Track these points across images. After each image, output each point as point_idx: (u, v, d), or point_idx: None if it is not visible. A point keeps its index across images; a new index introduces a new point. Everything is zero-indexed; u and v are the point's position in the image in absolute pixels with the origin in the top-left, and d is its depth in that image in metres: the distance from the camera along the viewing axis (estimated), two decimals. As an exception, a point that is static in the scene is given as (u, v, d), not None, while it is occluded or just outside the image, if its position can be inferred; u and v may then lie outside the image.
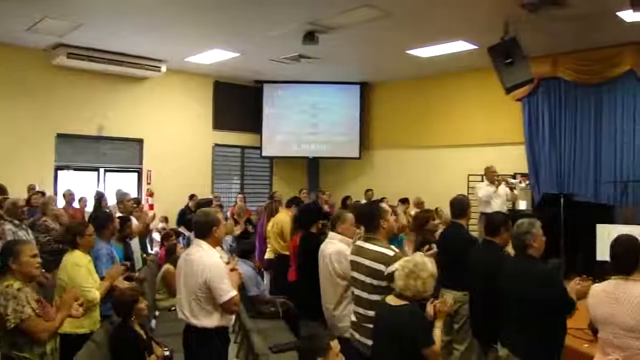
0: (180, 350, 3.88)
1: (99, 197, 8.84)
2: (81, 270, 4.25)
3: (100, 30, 8.76)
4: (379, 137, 13.50)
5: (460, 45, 9.35)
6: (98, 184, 10.95)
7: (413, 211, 9.04)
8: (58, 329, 3.49)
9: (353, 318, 3.89)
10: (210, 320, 3.62)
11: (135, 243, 6.60)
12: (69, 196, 9.27)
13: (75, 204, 9.34)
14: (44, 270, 4.36)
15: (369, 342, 3.64)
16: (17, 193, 7.74)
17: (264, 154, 13.40)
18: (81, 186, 10.27)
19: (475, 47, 9.21)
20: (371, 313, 3.67)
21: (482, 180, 9.06)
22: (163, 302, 6.56)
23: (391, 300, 3.32)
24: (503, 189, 8.56)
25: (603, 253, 5.27)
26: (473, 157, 10.94)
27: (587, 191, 9.57)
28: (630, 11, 6.29)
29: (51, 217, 6.91)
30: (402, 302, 3.24)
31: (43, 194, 8.32)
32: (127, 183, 11.28)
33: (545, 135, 10.24)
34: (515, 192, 8.88)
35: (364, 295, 3.78)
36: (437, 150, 12.12)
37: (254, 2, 7.40)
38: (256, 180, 13.89)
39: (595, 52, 9.34)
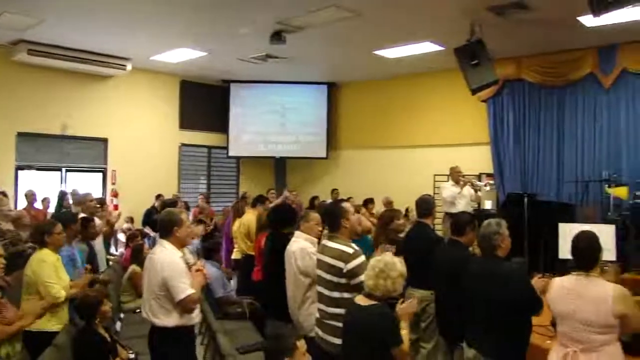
0: (146, 352, 3.83)
1: (61, 197, 8.66)
2: (46, 266, 4.24)
3: (63, 27, 8.58)
4: (346, 137, 13.55)
5: (427, 47, 9.43)
6: (61, 184, 10.72)
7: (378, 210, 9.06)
8: (13, 335, 3.41)
9: (317, 315, 3.91)
10: (170, 319, 3.59)
11: (99, 244, 6.50)
12: (30, 197, 9.04)
13: (38, 205, 9.13)
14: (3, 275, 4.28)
15: (332, 340, 3.66)
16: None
17: (230, 153, 13.34)
18: (44, 186, 10.01)
19: (442, 48, 9.31)
20: (332, 310, 3.73)
21: (448, 181, 9.16)
22: (128, 304, 6.48)
23: (360, 300, 3.33)
24: (468, 189, 8.68)
25: (565, 251, 5.34)
26: (439, 157, 11.05)
27: (550, 191, 9.79)
28: (590, 16, 6.42)
29: (4, 219, 6.63)
30: (372, 302, 3.25)
31: (4, 194, 8.09)
32: (91, 183, 11.10)
33: (509, 136, 10.43)
34: (479, 193, 9.02)
35: (325, 292, 3.82)
36: (404, 150, 12.21)
37: (221, 1, 7.34)
38: (223, 180, 13.81)
39: (558, 55, 9.57)
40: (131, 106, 11.78)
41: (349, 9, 7.52)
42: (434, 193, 9.76)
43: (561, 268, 4.99)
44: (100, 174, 11.47)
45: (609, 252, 5.55)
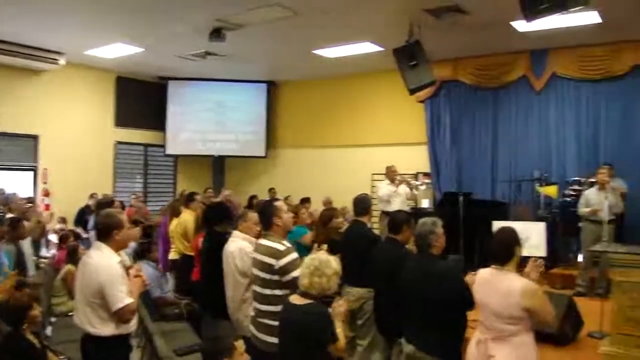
0: (79, 357, 3.69)
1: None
2: None
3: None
4: (285, 136, 13.55)
5: (367, 47, 9.53)
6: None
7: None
8: None
9: (252, 313, 3.90)
10: (106, 328, 3.40)
11: (27, 245, 6.24)
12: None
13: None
14: None
15: (267, 339, 3.65)
16: None
17: (168, 152, 13.12)
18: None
19: (381, 49, 9.43)
20: (265, 307, 3.74)
21: (384, 180, 9.28)
22: (60, 307, 6.24)
23: (296, 299, 3.33)
24: (403, 188, 8.86)
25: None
26: (377, 156, 11.18)
27: (485, 190, 10.08)
28: (523, 21, 6.67)
29: None
30: (307, 301, 3.25)
31: None
32: (21, 182, 10.66)
33: (446, 136, 10.68)
34: (415, 192, 9.19)
35: (258, 289, 3.85)
36: (342, 149, 12.31)
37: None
38: (160, 179, 13.54)
39: (492, 58, 9.89)
40: (64, 102, 11.37)
41: (288, 8, 7.51)
42: (372, 192, 9.88)
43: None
44: (32, 173, 11.03)
45: (539, 248, 5.80)
